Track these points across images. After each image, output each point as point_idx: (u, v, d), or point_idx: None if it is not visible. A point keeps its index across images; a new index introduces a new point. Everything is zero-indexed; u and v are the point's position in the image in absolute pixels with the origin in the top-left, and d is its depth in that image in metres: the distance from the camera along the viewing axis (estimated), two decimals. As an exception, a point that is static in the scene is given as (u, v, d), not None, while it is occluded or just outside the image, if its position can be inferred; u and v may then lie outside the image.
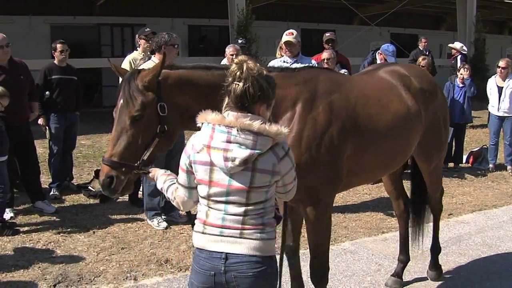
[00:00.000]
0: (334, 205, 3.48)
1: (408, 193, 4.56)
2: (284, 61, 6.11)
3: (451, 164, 8.62)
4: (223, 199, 2.27)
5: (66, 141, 6.88)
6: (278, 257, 2.52)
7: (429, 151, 4.04)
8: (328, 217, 3.21)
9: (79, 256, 4.86)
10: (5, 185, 5.37)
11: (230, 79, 2.27)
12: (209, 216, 2.31)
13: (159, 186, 2.59)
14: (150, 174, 2.68)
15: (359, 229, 5.74)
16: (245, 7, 13.80)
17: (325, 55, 6.83)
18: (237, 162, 2.19)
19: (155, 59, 5.48)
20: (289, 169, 2.33)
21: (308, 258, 3.29)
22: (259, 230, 2.29)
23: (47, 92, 6.61)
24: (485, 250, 5.18)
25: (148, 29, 6.90)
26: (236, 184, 2.24)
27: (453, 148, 8.60)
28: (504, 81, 8.62)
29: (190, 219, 5.52)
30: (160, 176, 2.60)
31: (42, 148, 7.86)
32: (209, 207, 2.31)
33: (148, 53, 6.42)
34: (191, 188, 2.39)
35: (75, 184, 7.15)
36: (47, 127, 6.68)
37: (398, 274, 4.38)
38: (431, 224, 4.57)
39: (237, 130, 2.20)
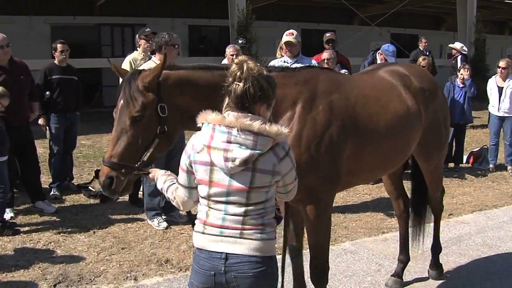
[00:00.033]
0: (334, 205, 3.48)
1: (409, 193, 4.56)
2: (284, 61, 6.11)
3: (451, 164, 8.62)
4: (223, 199, 2.27)
5: (66, 141, 6.88)
6: (279, 257, 2.53)
7: (429, 150, 4.04)
8: (328, 216, 3.21)
9: (80, 256, 4.86)
10: (5, 185, 5.37)
11: (230, 79, 2.27)
12: (209, 216, 2.31)
13: (159, 186, 2.59)
14: (150, 175, 2.69)
15: (360, 229, 5.74)
16: (246, 7, 13.80)
17: (325, 55, 6.84)
18: (237, 162, 2.19)
19: (156, 59, 5.49)
20: (290, 169, 2.33)
21: (308, 258, 3.29)
22: (259, 230, 2.29)
23: (47, 92, 6.61)
24: (485, 250, 5.18)
25: (148, 29, 6.89)
26: (236, 184, 2.24)
27: (453, 149, 8.60)
28: (505, 81, 8.61)
29: (191, 219, 5.48)
30: (160, 177, 2.61)
31: (42, 148, 7.86)
32: (209, 207, 2.31)
33: (149, 53, 6.43)
34: (191, 188, 2.39)
35: (75, 184, 7.15)
36: (47, 127, 6.69)
37: (398, 274, 4.38)
38: (432, 224, 4.58)
39: (237, 130, 2.20)
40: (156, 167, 2.77)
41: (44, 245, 5.10)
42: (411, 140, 3.70)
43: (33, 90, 6.25)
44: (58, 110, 6.68)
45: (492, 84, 8.84)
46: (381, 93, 3.56)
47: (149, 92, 2.65)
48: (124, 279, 4.42)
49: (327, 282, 3.30)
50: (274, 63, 6.20)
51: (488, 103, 8.99)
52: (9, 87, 5.55)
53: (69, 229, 5.52)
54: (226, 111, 2.28)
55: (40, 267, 4.59)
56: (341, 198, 6.77)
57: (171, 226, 5.67)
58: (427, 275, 4.55)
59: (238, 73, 2.24)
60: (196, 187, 2.36)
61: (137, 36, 6.89)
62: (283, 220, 2.96)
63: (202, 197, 2.34)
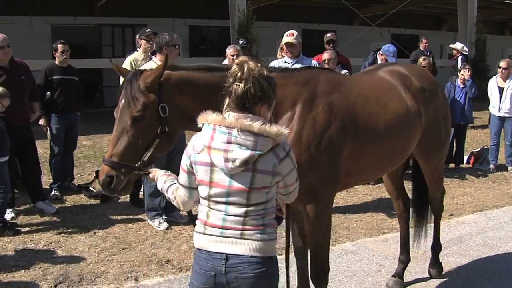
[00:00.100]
0: (335, 205, 3.48)
1: (410, 194, 4.56)
2: (285, 62, 6.11)
3: (452, 165, 8.62)
4: (223, 200, 2.27)
5: (67, 142, 6.88)
6: (280, 257, 2.52)
7: (429, 150, 4.04)
8: (328, 216, 3.21)
9: (80, 256, 4.86)
10: (6, 186, 5.37)
11: (231, 79, 2.27)
12: (209, 217, 2.31)
13: (159, 187, 2.59)
14: (151, 175, 2.69)
15: (360, 230, 5.74)
16: (246, 7, 13.80)
17: (326, 55, 6.84)
18: (237, 163, 2.19)
19: (156, 60, 5.49)
20: (290, 170, 2.33)
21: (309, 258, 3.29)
22: (259, 231, 2.29)
23: (48, 93, 6.61)
24: (486, 251, 5.18)
25: (149, 29, 6.89)
26: (236, 185, 2.24)
27: (454, 149, 8.59)
28: (505, 81, 8.62)
29: (191, 219, 5.50)
30: (160, 177, 2.61)
31: (43, 148, 7.86)
32: (210, 207, 2.31)
33: (149, 53, 6.43)
34: (192, 188, 2.39)
35: (76, 184, 7.15)
36: (48, 128, 6.69)
37: (399, 274, 4.38)
38: (432, 224, 4.57)
39: (238, 131, 2.20)
40: (157, 167, 2.77)
41: (45, 246, 5.10)
42: (411, 140, 3.70)
43: (34, 91, 6.25)
44: (58, 110, 6.69)
45: (493, 85, 8.84)
46: (380, 93, 3.57)
47: (150, 92, 2.66)
48: (124, 280, 4.42)
49: (328, 282, 3.30)
50: (275, 63, 6.20)
51: (489, 103, 8.99)
52: (10, 87, 5.56)
53: (69, 230, 5.52)
54: (227, 111, 2.28)
55: (40, 267, 4.59)
56: (341, 198, 6.77)
57: (171, 227, 5.67)
58: (428, 276, 4.54)
59: (239, 74, 2.24)
60: (197, 188, 2.37)
61: (137, 36, 6.88)
62: (283, 221, 2.96)
63: (203, 198, 2.34)
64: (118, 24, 16.68)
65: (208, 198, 2.30)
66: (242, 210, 2.27)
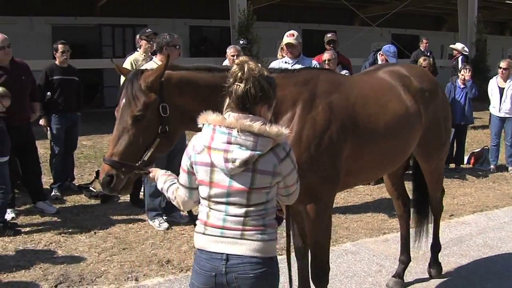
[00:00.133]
0: (335, 205, 3.49)
1: (410, 194, 4.56)
2: (285, 62, 6.11)
3: (452, 165, 8.61)
4: (223, 200, 2.27)
5: (67, 142, 6.89)
6: (281, 257, 2.52)
7: (429, 150, 4.04)
8: (328, 216, 3.22)
9: (80, 256, 4.87)
10: (6, 186, 5.38)
11: (231, 80, 2.27)
12: (210, 217, 2.31)
13: (159, 186, 2.59)
14: (151, 175, 2.69)
15: (360, 230, 5.74)
16: (246, 7, 13.80)
17: (326, 56, 6.84)
18: (237, 163, 2.19)
19: (157, 60, 5.48)
20: (291, 170, 2.33)
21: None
22: (260, 231, 2.29)
23: (48, 93, 6.62)
24: (486, 251, 5.18)
25: (149, 29, 6.88)
26: (236, 185, 2.24)
27: (454, 149, 8.59)
28: (506, 82, 8.62)
29: (192, 219, 5.51)
30: (160, 176, 2.61)
31: (43, 148, 7.87)
32: (210, 208, 2.31)
33: (150, 54, 6.43)
34: (192, 188, 2.39)
35: (76, 184, 7.15)
36: (48, 128, 6.69)
37: (399, 274, 4.38)
38: (432, 224, 4.58)
39: (238, 131, 2.20)
40: (157, 167, 2.77)
41: (45, 246, 5.11)
42: (410, 140, 3.71)
43: (34, 91, 6.25)
44: (59, 110, 6.69)
45: (493, 85, 8.84)
46: (380, 93, 3.57)
47: (151, 92, 2.66)
48: (125, 280, 4.42)
49: (328, 282, 3.31)
50: (275, 64, 6.20)
51: (489, 103, 8.98)
52: (10, 88, 5.56)
53: (70, 230, 5.52)
54: (227, 112, 2.28)
55: (41, 267, 4.59)
56: (342, 198, 6.77)
57: (172, 227, 5.67)
58: (428, 276, 4.54)
59: (239, 74, 2.24)
60: (197, 188, 2.37)
61: (138, 36, 6.88)
62: (284, 221, 2.96)
63: (203, 198, 2.34)
64: (118, 24, 16.69)
65: (208, 198, 2.30)
66: (242, 210, 2.27)
